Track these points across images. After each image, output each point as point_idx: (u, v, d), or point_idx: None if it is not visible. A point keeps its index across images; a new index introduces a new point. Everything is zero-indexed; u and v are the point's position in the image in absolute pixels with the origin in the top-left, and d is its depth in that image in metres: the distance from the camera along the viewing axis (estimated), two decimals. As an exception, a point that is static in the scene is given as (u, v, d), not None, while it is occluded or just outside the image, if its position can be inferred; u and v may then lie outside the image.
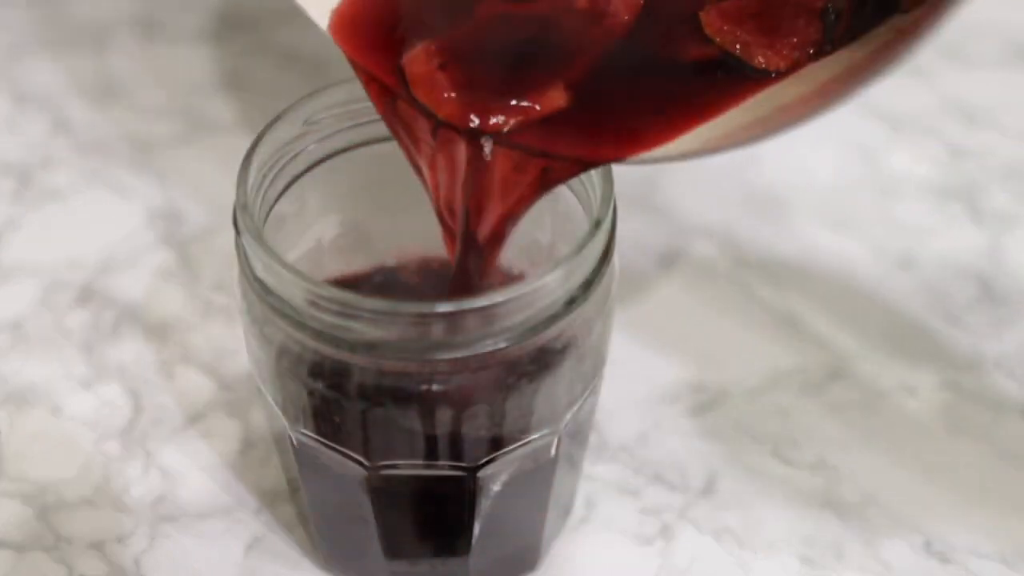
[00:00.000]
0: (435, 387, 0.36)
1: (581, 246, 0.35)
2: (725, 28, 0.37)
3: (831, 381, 0.50)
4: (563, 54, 0.37)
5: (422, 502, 0.40)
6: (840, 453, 0.48)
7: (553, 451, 0.40)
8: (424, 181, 0.38)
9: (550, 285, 0.35)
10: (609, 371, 0.41)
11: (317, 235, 0.42)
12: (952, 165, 0.58)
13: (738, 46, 0.37)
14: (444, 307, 0.34)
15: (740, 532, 0.45)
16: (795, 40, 0.37)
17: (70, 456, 0.47)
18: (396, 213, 0.43)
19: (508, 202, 0.36)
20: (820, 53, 0.37)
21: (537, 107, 0.36)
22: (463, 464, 0.38)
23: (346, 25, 0.38)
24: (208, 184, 0.56)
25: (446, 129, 0.36)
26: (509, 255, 0.42)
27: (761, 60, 0.37)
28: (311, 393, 0.37)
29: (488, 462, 0.38)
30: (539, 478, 0.41)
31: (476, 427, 0.37)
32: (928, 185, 0.58)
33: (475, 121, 0.36)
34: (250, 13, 0.65)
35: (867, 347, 0.51)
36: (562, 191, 0.39)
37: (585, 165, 0.36)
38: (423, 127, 0.37)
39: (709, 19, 0.37)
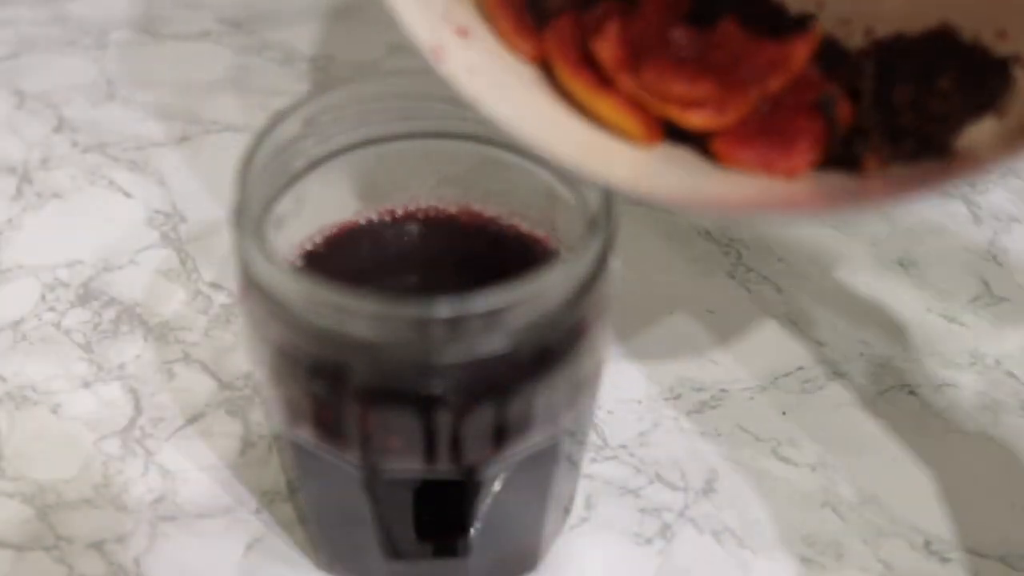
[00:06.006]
0: (435, 387, 0.36)
1: (581, 246, 0.35)
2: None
3: (831, 381, 0.50)
4: None
5: (422, 502, 0.40)
6: (840, 453, 0.48)
7: (553, 451, 0.39)
8: None
9: (550, 285, 0.35)
10: (609, 371, 0.41)
11: (316, 235, 0.42)
12: (952, 165, 0.58)
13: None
14: (444, 308, 0.34)
15: (740, 532, 0.45)
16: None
17: (70, 456, 0.47)
18: (395, 212, 0.43)
19: None
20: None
21: None
22: (463, 464, 0.38)
23: None
24: (208, 184, 0.56)
25: None
26: (509, 256, 0.42)
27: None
28: (310, 393, 0.37)
29: (488, 462, 0.38)
30: (539, 478, 0.41)
31: (476, 427, 0.37)
32: (928, 185, 0.58)
33: None
34: (250, 13, 0.65)
35: (867, 347, 0.51)
36: (562, 191, 0.39)
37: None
38: None
39: (723, 150, 0.38)
